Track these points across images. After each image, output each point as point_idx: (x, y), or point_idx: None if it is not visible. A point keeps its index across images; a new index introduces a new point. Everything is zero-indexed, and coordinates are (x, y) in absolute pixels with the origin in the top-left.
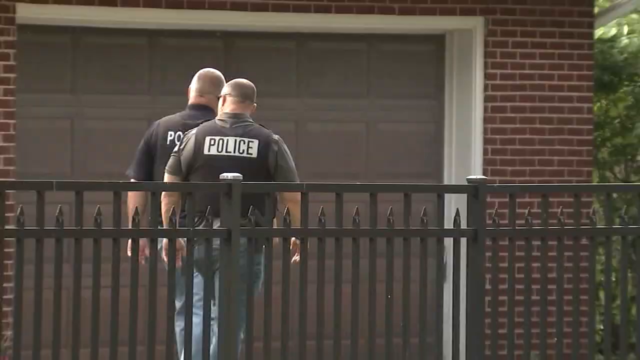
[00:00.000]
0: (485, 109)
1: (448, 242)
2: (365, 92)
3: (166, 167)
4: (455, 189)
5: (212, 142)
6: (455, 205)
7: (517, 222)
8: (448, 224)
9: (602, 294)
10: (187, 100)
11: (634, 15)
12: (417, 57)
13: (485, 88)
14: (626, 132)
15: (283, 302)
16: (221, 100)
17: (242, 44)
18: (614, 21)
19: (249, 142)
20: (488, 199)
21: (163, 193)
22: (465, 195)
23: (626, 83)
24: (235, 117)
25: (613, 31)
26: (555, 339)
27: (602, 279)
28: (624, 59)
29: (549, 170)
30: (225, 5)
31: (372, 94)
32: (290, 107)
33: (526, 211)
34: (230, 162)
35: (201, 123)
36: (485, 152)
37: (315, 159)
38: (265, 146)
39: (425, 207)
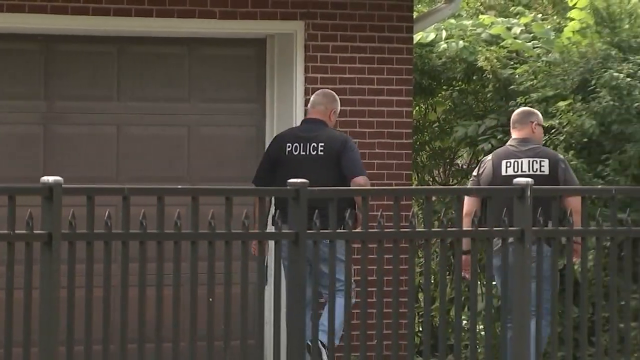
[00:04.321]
0: (306, 113)
1: (270, 244)
2: (187, 95)
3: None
4: (275, 192)
5: None
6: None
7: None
8: (270, 227)
9: (421, 296)
10: None
11: (452, 20)
12: (238, 61)
13: (306, 92)
14: (445, 135)
15: (104, 306)
16: None
17: (63, 48)
18: (433, 26)
19: None
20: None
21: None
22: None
23: (445, 87)
24: None
25: (432, 36)
26: (375, 341)
27: (422, 281)
28: (442, 64)
29: (369, 173)
30: (46, 9)
31: (194, 97)
32: (111, 111)
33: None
34: None
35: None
36: None
37: (137, 163)
38: None
39: (246, 211)
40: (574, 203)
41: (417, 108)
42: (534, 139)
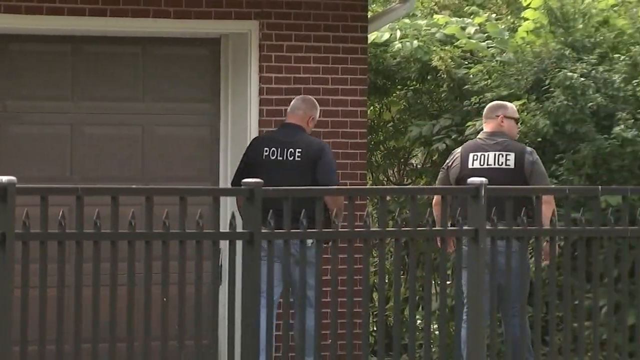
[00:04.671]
0: (261, 113)
1: (224, 244)
2: (142, 95)
3: None
4: (230, 192)
5: None
6: (231, 208)
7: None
8: (224, 227)
9: (376, 296)
10: None
11: (407, 20)
12: (193, 60)
13: (261, 92)
14: (399, 135)
15: (58, 306)
16: None
17: (16, 48)
18: (387, 26)
19: None
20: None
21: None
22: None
23: (399, 87)
24: None
25: (386, 36)
26: (330, 340)
27: (376, 280)
28: (397, 63)
29: None
30: None
31: (148, 97)
32: (65, 111)
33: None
34: None
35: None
36: None
37: (91, 163)
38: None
39: (200, 210)
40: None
41: (371, 108)
42: (504, 132)
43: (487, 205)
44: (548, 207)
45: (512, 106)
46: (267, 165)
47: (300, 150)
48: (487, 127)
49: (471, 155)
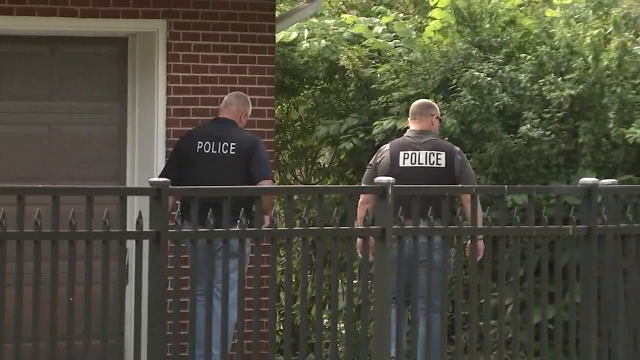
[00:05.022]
0: (168, 112)
1: (130, 244)
2: (49, 94)
3: None
4: (137, 191)
5: None
6: (138, 207)
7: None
8: (131, 226)
9: (282, 295)
10: None
11: (314, 20)
12: (100, 59)
13: (168, 91)
14: (307, 134)
15: None
16: None
17: None
18: (295, 25)
19: None
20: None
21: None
22: (147, 198)
23: (307, 86)
24: None
25: (294, 35)
26: (236, 340)
27: (283, 280)
28: (304, 63)
29: None
30: None
31: (55, 96)
32: None
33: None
34: None
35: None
36: (167, 154)
37: None
38: None
39: (107, 210)
40: (466, 196)
41: (279, 107)
42: (432, 131)
43: (400, 204)
44: (469, 204)
45: (437, 106)
46: (201, 159)
47: (234, 144)
48: (417, 125)
49: (402, 153)
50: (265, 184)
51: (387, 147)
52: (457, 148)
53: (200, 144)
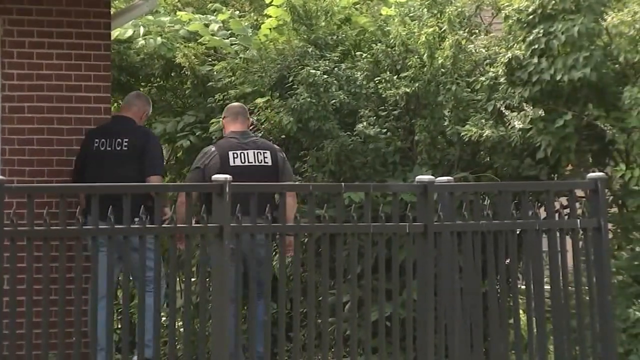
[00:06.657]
0: (3, 109)
1: None
2: None
3: None
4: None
5: None
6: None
7: (36, 222)
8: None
9: (120, 293)
10: None
11: (150, 17)
12: None
13: (2, 88)
14: None
15: None
16: None
17: None
18: (131, 22)
19: None
20: (6, 200)
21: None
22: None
23: (143, 84)
24: None
25: (130, 32)
26: (74, 338)
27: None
28: (140, 60)
29: (67, 170)
30: None
31: None
32: None
33: (44, 211)
34: None
35: None
36: (2, 152)
37: None
38: None
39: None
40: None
41: (115, 104)
42: (250, 132)
43: (237, 202)
44: (294, 199)
45: None
46: (97, 157)
47: (127, 140)
48: (239, 126)
49: (231, 153)
50: (154, 180)
51: (212, 148)
52: (278, 147)
53: (96, 142)
